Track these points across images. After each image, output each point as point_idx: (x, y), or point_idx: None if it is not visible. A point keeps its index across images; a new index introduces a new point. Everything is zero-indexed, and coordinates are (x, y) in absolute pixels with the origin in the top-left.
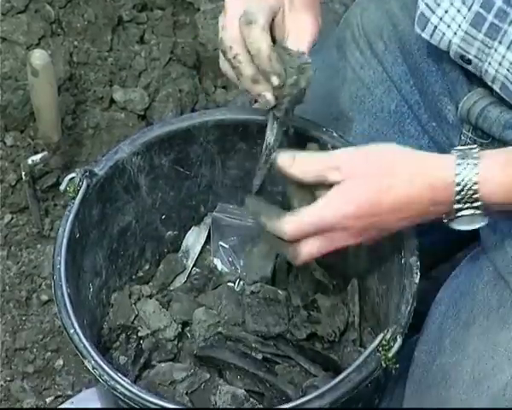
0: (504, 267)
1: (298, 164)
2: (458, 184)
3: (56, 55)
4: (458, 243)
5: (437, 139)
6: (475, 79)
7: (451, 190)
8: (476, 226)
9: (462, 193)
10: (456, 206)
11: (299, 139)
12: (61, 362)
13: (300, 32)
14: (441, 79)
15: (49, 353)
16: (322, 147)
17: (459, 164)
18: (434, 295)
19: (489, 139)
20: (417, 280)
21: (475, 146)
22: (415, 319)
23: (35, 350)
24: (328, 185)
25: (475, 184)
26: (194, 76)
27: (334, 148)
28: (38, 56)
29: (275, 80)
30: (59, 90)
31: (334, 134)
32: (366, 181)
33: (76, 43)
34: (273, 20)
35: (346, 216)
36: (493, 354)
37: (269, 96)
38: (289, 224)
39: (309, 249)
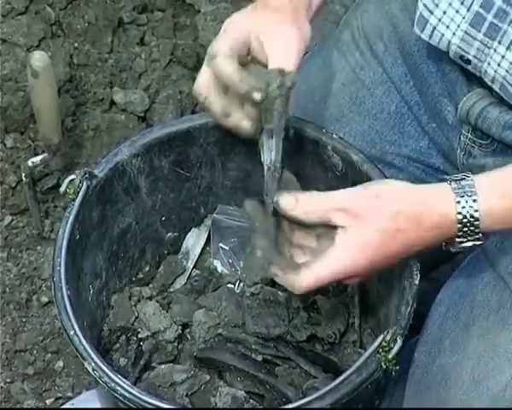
0: (504, 268)
1: (301, 206)
2: (460, 222)
3: (56, 57)
4: None
5: (437, 140)
6: (475, 80)
7: (454, 228)
8: (473, 247)
9: (465, 229)
10: (459, 239)
11: (299, 141)
12: (61, 364)
13: (284, 52)
14: (441, 80)
15: (50, 354)
16: (322, 148)
17: (459, 202)
18: (435, 296)
19: (488, 140)
20: (417, 281)
21: (469, 175)
22: (415, 320)
23: (35, 352)
24: (332, 226)
25: (477, 220)
26: (195, 78)
27: (334, 149)
28: (38, 58)
29: (256, 96)
30: (59, 91)
31: (334, 136)
32: (374, 227)
33: (76, 44)
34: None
35: (357, 267)
36: (493, 354)
37: (244, 123)
38: (307, 280)
39: (313, 285)
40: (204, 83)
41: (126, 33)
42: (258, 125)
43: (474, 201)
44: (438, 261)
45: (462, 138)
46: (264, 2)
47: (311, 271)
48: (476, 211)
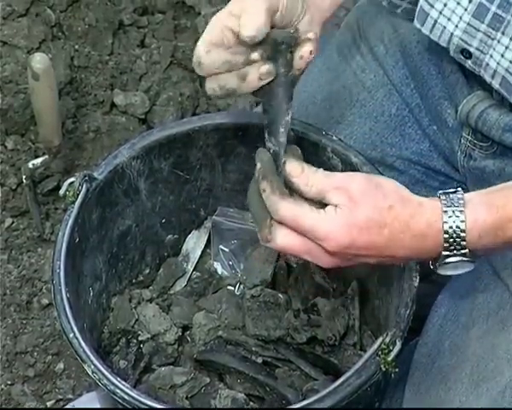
0: (504, 270)
1: (304, 176)
2: (446, 232)
3: (57, 59)
4: None
5: (437, 143)
6: (475, 82)
7: (440, 238)
8: (462, 272)
9: (451, 240)
10: (444, 253)
11: (298, 143)
12: (61, 366)
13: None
14: (441, 82)
15: (50, 356)
16: (322, 150)
17: (445, 211)
18: (435, 298)
19: (489, 142)
20: (417, 284)
21: (460, 190)
22: (415, 322)
23: (36, 354)
24: (324, 205)
25: (463, 232)
26: (195, 80)
27: (333, 151)
28: (39, 60)
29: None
30: (59, 93)
31: (334, 138)
32: (364, 213)
33: (77, 46)
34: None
35: (336, 241)
36: (493, 356)
37: (264, 68)
38: (287, 208)
39: (286, 242)
40: (209, 83)
41: (127, 35)
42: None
43: (461, 211)
44: None
45: (462, 141)
46: None
47: (296, 206)
48: (463, 222)
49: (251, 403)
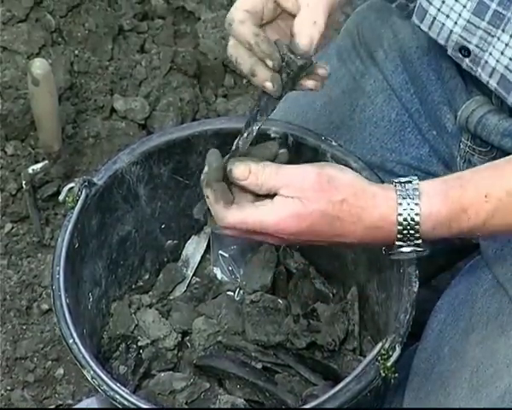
0: (503, 275)
1: (252, 178)
2: (400, 224)
3: (57, 65)
4: (459, 253)
5: (437, 148)
6: (474, 88)
7: (394, 229)
8: (415, 256)
9: (405, 232)
10: (398, 243)
11: (298, 148)
12: (61, 371)
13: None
14: (441, 87)
15: (50, 362)
16: (321, 156)
17: (400, 204)
18: (434, 304)
19: (488, 147)
20: (416, 289)
21: (415, 178)
22: (415, 328)
23: (35, 359)
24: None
25: (417, 224)
26: (195, 85)
27: (333, 157)
28: (39, 65)
29: (269, 63)
30: (59, 99)
31: (333, 143)
32: (316, 205)
33: (77, 52)
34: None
35: (285, 231)
36: (492, 361)
37: (267, 83)
38: (233, 217)
39: (237, 225)
40: (232, 45)
41: (127, 41)
42: (282, 87)
43: (416, 204)
44: (438, 269)
45: (461, 146)
46: None
47: (241, 212)
48: (417, 214)
49: (250, 408)
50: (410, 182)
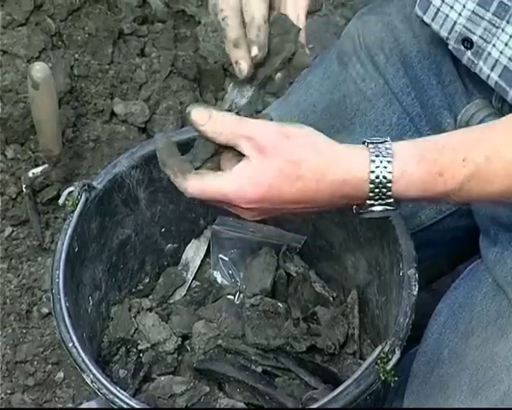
0: (503, 278)
1: (211, 123)
2: (372, 182)
3: (57, 68)
4: (459, 256)
5: None
6: (474, 91)
7: (365, 187)
8: (386, 215)
9: (376, 190)
10: (369, 201)
11: None
12: (61, 375)
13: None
14: (441, 91)
15: (50, 365)
16: None
17: (373, 161)
18: (434, 307)
19: None
20: (416, 292)
21: (388, 139)
22: (416, 331)
23: (35, 363)
24: (237, 152)
25: (389, 182)
26: (195, 89)
27: None
28: (39, 69)
29: (254, 50)
30: (59, 102)
31: None
32: (274, 166)
33: (77, 55)
34: None
35: (246, 198)
36: (491, 364)
37: (243, 65)
38: (192, 187)
39: (197, 195)
40: (231, 3)
41: (127, 44)
42: (252, 72)
43: (389, 162)
44: (439, 272)
45: None
46: None
47: (200, 181)
48: (390, 172)
49: None
50: (384, 142)
